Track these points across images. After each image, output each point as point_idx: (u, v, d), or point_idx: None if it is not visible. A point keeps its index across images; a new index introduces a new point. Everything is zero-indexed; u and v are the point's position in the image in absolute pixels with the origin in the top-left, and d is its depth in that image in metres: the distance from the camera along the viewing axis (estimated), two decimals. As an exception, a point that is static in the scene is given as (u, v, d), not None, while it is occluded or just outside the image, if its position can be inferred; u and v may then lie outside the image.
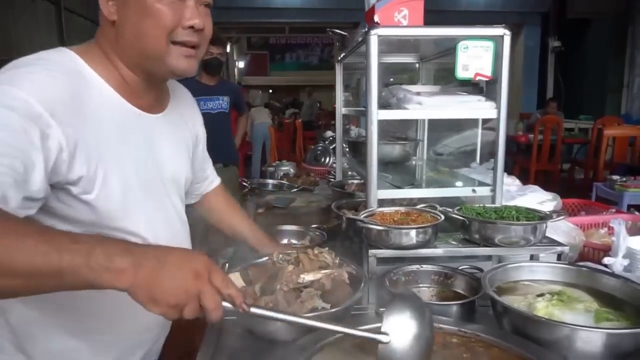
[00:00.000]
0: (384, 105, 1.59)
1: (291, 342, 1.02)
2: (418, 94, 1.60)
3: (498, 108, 1.48)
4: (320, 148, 3.70)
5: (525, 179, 6.14)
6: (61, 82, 0.87)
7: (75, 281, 0.71)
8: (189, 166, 1.23)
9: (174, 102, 1.16)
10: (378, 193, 1.50)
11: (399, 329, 0.81)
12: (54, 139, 0.83)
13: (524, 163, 6.73)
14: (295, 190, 2.69)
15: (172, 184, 1.16)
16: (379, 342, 0.80)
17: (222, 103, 3.80)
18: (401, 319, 0.83)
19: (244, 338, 1.12)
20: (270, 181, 2.85)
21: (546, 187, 2.13)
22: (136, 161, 1.03)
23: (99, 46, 0.97)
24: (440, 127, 2.60)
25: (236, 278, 1.16)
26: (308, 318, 0.85)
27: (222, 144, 3.80)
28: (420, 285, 1.39)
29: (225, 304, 0.75)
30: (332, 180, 2.62)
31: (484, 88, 1.68)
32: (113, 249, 0.71)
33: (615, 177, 4.44)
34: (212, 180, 1.47)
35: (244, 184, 2.74)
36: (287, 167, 3.37)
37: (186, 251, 0.79)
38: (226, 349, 1.11)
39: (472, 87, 1.77)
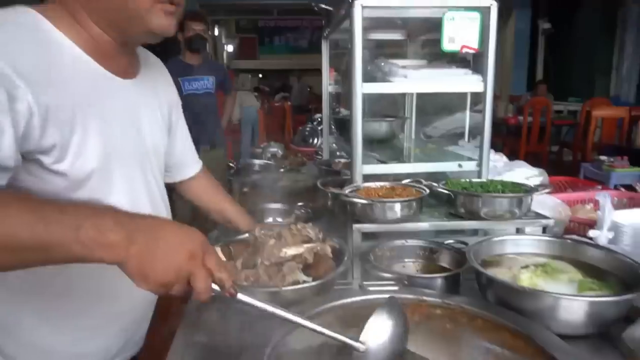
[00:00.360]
0: (369, 80, 1.56)
1: (271, 317, 1.00)
2: (404, 67, 1.57)
3: (485, 81, 1.46)
4: (308, 129, 3.67)
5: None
6: (28, 44, 0.81)
7: (62, 255, 0.67)
8: (166, 138, 1.19)
9: (146, 69, 1.10)
10: (363, 168, 1.48)
11: (377, 341, 0.83)
12: (22, 102, 0.77)
13: (513, 145, 6.74)
14: (282, 170, 2.66)
15: (153, 157, 1.09)
16: (355, 350, 0.82)
17: (207, 83, 3.73)
18: (381, 333, 0.84)
19: (223, 313, 1.10)
20: (257, 162, 2.81)
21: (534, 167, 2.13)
22: (114, 128, 0.95)
23: (63, 5, 0.91)
24: (429, 106, 2.58)
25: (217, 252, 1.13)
26: (291, 314, 0.83)
27: (208, 126, 3.75)
28: (406, 260, 1.38)
29: (214, 286, 0.73)
30: (320, 159, 2.60)
31: (470, 62, 1.66)
32: (104, 222, 0.68)
33: (602, 157, 4.46)
34: (195, 162, 1.40)
35: (230, 165, 2.70)
36: (275, 149, 3.34)
37: (181, 227, 0.74)
38: (206, 324, 1.09)
39: (459, 63, 1.74)
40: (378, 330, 0.85)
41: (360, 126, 1.41)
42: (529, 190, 1.33)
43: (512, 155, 6.15)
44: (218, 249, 1.15)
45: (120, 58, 0.99)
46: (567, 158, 7.05)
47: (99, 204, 0.92)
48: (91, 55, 0.92)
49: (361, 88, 1.41)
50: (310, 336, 0.92)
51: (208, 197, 1.43)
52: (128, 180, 1.00)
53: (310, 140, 3.57)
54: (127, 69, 1.01)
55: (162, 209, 1.16)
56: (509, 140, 7.12)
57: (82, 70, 0.91)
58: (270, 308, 0.80)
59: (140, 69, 1.07)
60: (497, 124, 7.53)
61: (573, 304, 0.95)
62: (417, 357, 0.87)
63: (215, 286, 0.74)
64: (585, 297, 0.97)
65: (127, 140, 1.00)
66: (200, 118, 3.78)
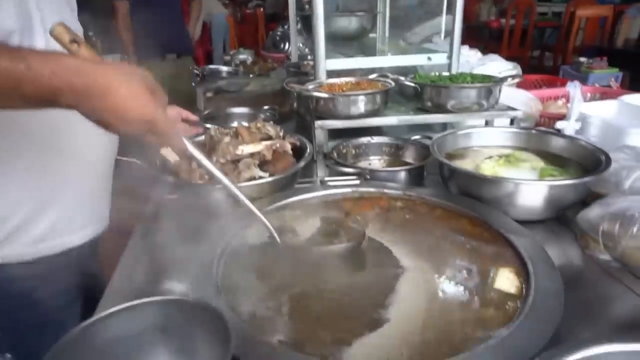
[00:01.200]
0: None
1: (227, 214, 0.98)
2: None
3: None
4: (279, 34, 3.46)
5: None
6: None
7: (33, 92, 0.61)
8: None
9: None
10: (327, 64, 1.39)
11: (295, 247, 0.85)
12: None
13: (494, 49, 6.55)
14: (251, 76, 2.54)
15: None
16: (274, 239, 0.83)
17: None
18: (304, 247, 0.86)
19: (182, 213, 1.08)
20: (225, 68, 2.67)
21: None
22: None
23: None
24: (403, 3, 2.41)
25: (169, 152, 1.08)
26: (231, 182, 0.80)
27: (174, 32, 3.51)
28: (371, 157, 1.35)
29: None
30: (289, 62, 2.47)
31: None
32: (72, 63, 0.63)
33: (582, 59, 4.38)
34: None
35: (196, 72, 2.56)
36: (245, 56, 3.16)
37: (131, 90, 0.66)
38: (165, 223, 1.07)
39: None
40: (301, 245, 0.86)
41: (321, 18, 1.30)
42: (498, 80, 1.27)
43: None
44: (170, 149, 1.09)
45: None
46: (549, 63, 6.92)
47: None
48: None
49: (321, -29, 1.28)
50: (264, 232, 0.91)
51: None
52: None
53: (282, 46, 3.38)
54: None
55: None
56: (490, 44, 6.90)
57: None
58: (214, 169, 0.78)
59: None
60: (479, 28, 7.26)
61: (531, 188, 0.94)
62: (373, 242, 0.87)
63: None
64: (543, 181, 0.96)
65: None
66: (164, 23, 3.52)
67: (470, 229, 0.90)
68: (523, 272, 0.75)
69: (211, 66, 2.73)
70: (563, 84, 2.52)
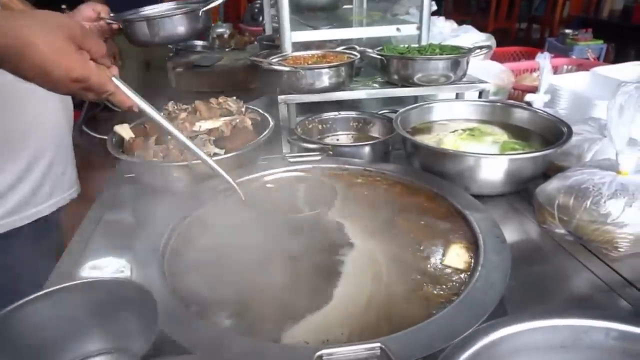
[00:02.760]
0: None
1: (184, 191, 0.96)
2: None
3: None
4: (258, 5, 3.36)
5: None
6: None
7: None
8: None
9: None
10: (292, 36, 1.34)
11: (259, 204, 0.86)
12: None
13: (481, 22, 6.47)
14: (227, 50, 2.47)
15: None
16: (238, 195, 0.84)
17: None
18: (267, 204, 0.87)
19: (140, 190, 1.06)
20: (199, 42, 2.59)
21: (500, 43, 2.01)
22: None
23: None
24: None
25: (124, 129, 1.05)
26: (184, 136, 0.80)
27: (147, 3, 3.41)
28: (339, 132, 1.33)
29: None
30: (262, 36, 2.40)
31: None
32: None
33: (568, 31, 4.33)
34: None
35: (169, 46, 2.48)
36: (223, 29, 3.07)
37: (52, 47, 0.59)
38: (121, 198, 1.05)
39: None
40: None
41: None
42: (465, 52, 1.24)
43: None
44: (126, 125, 1.06)
45: None
46: (536, 36, 6.86)
47: None
48: None
49: (283, -63, 1.22)
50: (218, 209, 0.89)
51: None
52: None
53: (260, 19, 3.28)
54: None
55: None
56: (477, 17, 6.82)
57: None
58: (142, 103, 0.73)
59: None
60: (466, 0, 7.16)
61: (490, 162, 0.93)
62: (330, 225, 0.85)
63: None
64: (501, 155, 0.95)
65: None
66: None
67: (427, 205, 0.89)
68: (474, 247, 0.74)
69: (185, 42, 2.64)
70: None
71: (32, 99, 1.03)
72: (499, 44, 1.99)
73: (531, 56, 2.41)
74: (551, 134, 1.06)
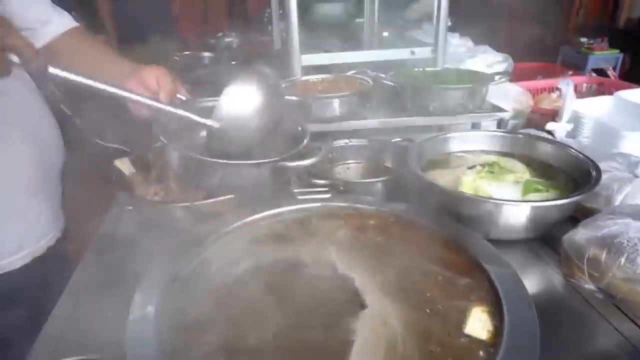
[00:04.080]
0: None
1: (188, 231, 0.91)
2: None
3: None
4: (267, 14, 3.31)
5: (494, 44, 5.87)
6: None
7: None
8: None
9: None
10: (302, 59, 1.29)
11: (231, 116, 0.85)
12: None
13: (493, 27, 6.37)
14: (233, 63, 2.42)
15: None
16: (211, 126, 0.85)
17: None
18: (233, 106, 0.86)
19: (141, 228, 1.00)
20: (206, 54, 2.55)
21: (515, 51, 1.94)
22: None
23: None
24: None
25: (124, 164, 1.00)
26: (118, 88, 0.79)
27: (158, 15, 3.41)
28: (349, 161, 1.27)
29: (15, 58, 0.67)
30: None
31: None
32: None
33: (583, 39, 4.24)
34: (52, 22, 1.07)
35: (176, 58, 2.44)
36: (231, 39, 3.04)
37: None
38: (123, 238, 1.00)
39: None
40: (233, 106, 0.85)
41: (294, 6, 1.19)
42: (483, 80, 1.17)
43: (490, 40, 5.92)
44: (125, 160, 1.01)
45: None
46: (549, 41, 6.74)
47: None
48: None
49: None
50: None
51: (76, 54, 1.08)
52: None
53: (270, 28, 3.23)
54: None
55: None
56: (490, 22, 6.72)
57: None
58: (89, 81, 0.72)
59: None
60: (480, 4, 7.05)
61: (512, 209, 0.86)
62: (338, 278, 0.79)
63: (16, 58, 0.67)
64: (525, 202, 0.88)
65: None
66: (147, 6, 3.39)
67: (445, 256, 0.83)
68: (497, 312, 0.68)
69: (192, 53, 2.60)
70: (558, 71, 2.42)
71: None
72: (511, 51, 1.92)
73: (548, 72, 2.34)
74: (577, 172, 0.99)
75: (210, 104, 1.03)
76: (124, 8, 3.37)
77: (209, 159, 0.84)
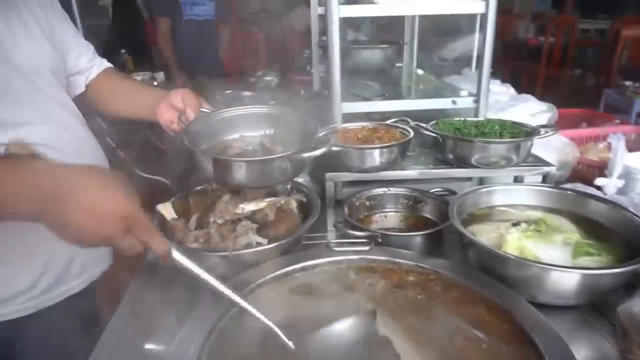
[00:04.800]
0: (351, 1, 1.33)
1: (227, 280, 0.90)
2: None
3: (486, 1, 1.23)
4: (306, 54, 3.39)
5: (532, 88, 5.78)
6: None
7: None
8: (51, 51, 1.04)
9: None
10: (343, 106, 1.30)
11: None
12: None
13: (532, 69, 6.31)
14: (272, 103, 2.47)
15: (35, 76, 0.98)
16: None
17: (208, 9, 3.51)
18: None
19: (179, 274, 1.01)
20: (246, 94, 2.62)
21: (554, 95, 1.92)
22: None
23: None
24: (433, 29, 2.31)
25: (166, 209, 1.02)
26: (228, 288, 0.76)
27: (207, 55, 3.57)
28: (387, 210, 1.25)
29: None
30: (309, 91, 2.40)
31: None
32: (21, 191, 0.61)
33: (627, 83, 4.12)
34: (94, 65, 1.22)
35: (218, 97, 2.51)
36: (271, 77, 3.12)
37: (102, 188, 0.64)
38: (159, 283, 1.00)
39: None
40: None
41: (337, 57, 1.22)
42: (529, 133, 1.15)
43: (531, 80, 5.82)
44: (168, 205, 1.03)
45: None
46: (590, 83, 6.61)
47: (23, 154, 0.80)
48: None
49: (338, 12, 1.19)
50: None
51: (114, 93, 1.23)
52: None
53: (309, 67, 3.31)
54: None
55: (80, 131, 1.09)
56: (528, 64, 6.66)
57: None
58: (209, 278, 0.74)
59: None
60: (517, 46, 7.01)
61: (563, 275, 0.82)
62: (377, 339, 0.77)
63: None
64: (576, 269, 0.83)
65: None
66: (199, 46, 3.55)
67: (488, 320, 0.79)
68: (547, 390, 0.64)
69: (233, 92, 2.68)
70: (602, 118, 2.35)
71: None
72: (551, 94, 1.88)
73: (591, 119, 2.27)
74: (631, 234, 0.94)
75: (229, 114, 1.15)
76: (180, 53, 3.56)
77: (233, 159, 0.94)
